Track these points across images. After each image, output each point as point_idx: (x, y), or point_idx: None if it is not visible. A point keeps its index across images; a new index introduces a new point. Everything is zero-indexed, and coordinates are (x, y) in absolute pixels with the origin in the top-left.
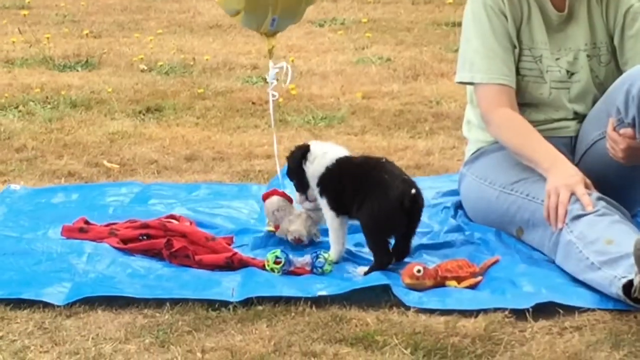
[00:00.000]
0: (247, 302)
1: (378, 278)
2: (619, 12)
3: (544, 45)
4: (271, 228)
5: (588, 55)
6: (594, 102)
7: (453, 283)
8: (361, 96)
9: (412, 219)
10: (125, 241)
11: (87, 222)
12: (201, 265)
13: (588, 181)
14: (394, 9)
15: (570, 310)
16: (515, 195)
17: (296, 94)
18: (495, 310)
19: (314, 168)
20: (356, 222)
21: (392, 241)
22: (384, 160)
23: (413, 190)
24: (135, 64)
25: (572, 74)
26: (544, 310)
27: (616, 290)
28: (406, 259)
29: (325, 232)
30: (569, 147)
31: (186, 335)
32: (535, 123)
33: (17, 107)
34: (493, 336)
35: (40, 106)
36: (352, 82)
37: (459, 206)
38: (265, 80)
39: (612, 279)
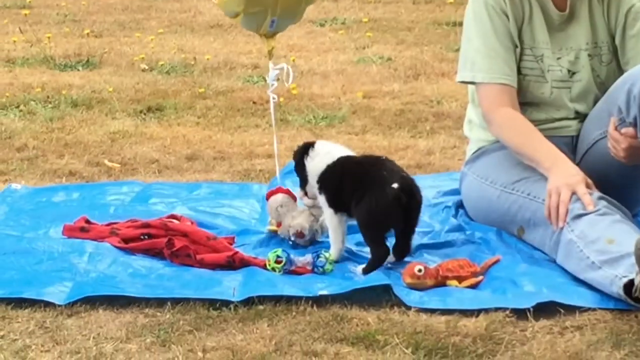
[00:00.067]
0: (248, 302)
1: (379, 278)
2: (621, 11)
3: (545, 45)
4: (273, 227)
5: (589, 55)
6: (595, 101)
7: (454, 283)
8: (362, 96)
9: (410, 215)
10: (126, 240)
11: (88, 222)
12: (202, 264)
13: (589, 181)
14: (394, 9)
15: (571, 309)
16: (517, 194)
17: (297, 94)
18: (496, 309)
19: (315, 165)
20: (355, 222)
21: (393, 241)
22: (383, 158)
23: (407, 183)
24: (136, 63)
25: (574, 73)
26: (545, 309)
27: (617, 289)
28: (407, 259)
29: (325, 232)
30: (570, 146)
31: (187, 334)
32: (536, 122)
33: (18, 107)
34: (494, 336)
35: (41, 105)
36: (353, 82)
37: (460, 205)
38: (266, 80)
39: (613, 278)
